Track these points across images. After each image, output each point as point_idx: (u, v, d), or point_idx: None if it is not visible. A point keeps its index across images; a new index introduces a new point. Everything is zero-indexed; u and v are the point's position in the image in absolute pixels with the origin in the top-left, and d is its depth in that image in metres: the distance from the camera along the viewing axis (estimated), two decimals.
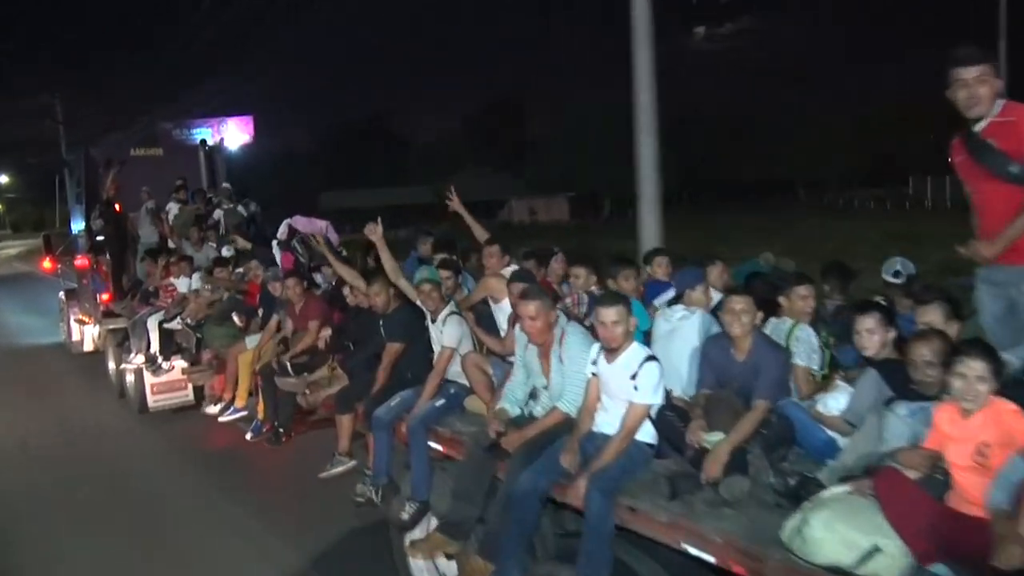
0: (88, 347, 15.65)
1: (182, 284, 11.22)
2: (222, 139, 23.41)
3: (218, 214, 13.01)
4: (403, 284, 6.52)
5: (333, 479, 6.82)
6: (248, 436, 8.09)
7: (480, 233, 7.44)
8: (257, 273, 9.32)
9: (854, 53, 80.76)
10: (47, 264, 17.68)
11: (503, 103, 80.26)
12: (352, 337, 7.32)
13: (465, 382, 6.14)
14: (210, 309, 10.16)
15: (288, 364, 7.55)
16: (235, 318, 9.25)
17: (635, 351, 4.74)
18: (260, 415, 8.12)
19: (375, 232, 6.53)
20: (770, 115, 59.53)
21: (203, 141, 15.33)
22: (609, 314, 4.71)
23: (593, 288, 6.55)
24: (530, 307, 5.12)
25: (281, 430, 7.68)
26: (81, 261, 15.27)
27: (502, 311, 6.43)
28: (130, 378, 12.45)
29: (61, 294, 17.23)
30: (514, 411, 5.39)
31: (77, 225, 15.28)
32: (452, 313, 6.16)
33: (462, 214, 7.45)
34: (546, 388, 5.32)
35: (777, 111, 59.56)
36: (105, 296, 14.13)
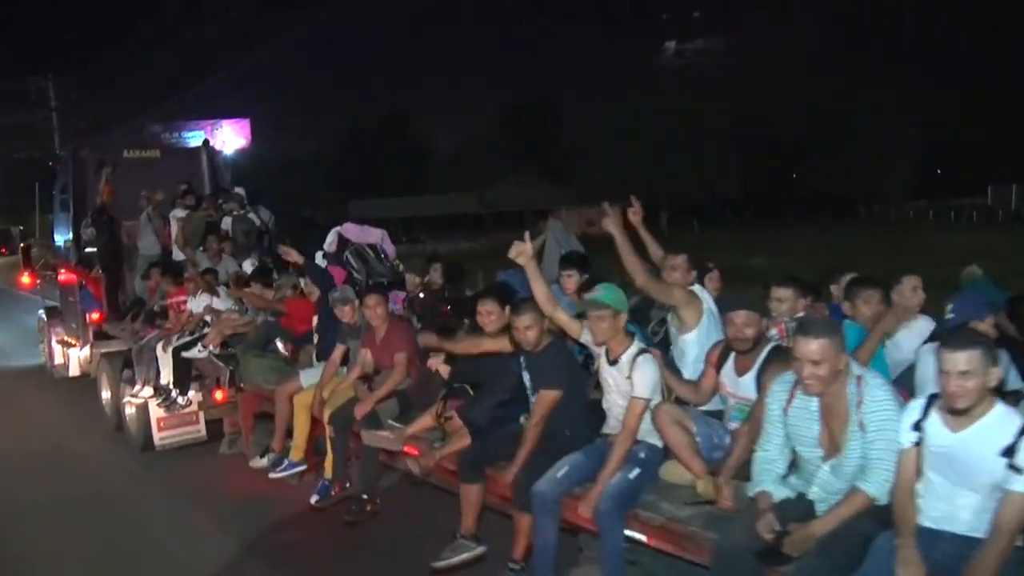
0: (74, 371, 13.55)
1: (199, 303, 9.31)
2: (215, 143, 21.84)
3: (227, 223, 11.11)
4: (561, 317, 4.78)
5: (450, 570, 5.00)
6: (313, 500, 6.23)
7: (655, 249, 5.71)
8: (311, 291, 7.46)
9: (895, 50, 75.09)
10: (25, 279, 15.55)
11: (531, 108, 71.05)
12: (466, 376, 5.52)
13: (655, 441, 4.42)
14: (244, 333, 8.31)
15: (380, 413, 5.74)
16: (280, 346, 7.39)
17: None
18: (327, 473, 6.27)
19: (525, 251, 4.74)
20: (822, 121, 53.52)
21: (205, 142, 13.42)
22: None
23: (801, 313, 4.86)
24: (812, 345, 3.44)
25: (365, 497, 5.81)
26: (67, 276, 13.32)
27: (692, 345, 4.72)
28: (131, 410, 10.52)
29: (41, 312, 15.14)
30: (779, 493, 3.67)
31: (62, 235, 13.28)
32: (642, 352, 4.42)
33: (615, 234, 4.91)
34: (825, 460, 3.61)
35: (830, 118, 53.44)
36: (95, 315, 12.17)
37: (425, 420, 5.60)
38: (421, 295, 6.93)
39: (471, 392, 5.33)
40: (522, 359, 4.96)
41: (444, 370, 5.81)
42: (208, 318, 9.28)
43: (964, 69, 65.50)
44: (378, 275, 7.71)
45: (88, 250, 12.29)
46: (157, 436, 9.88)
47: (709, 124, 49.58)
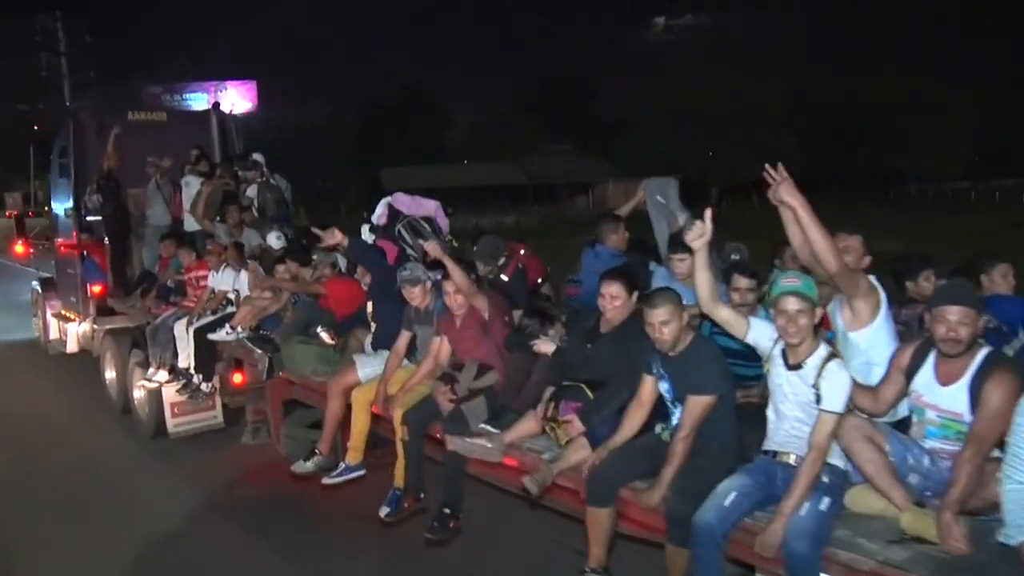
0: (72, 347, 12.54)
1: (223, 279, 8.38)
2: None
3: (252, 191, 10.13)
4: (724, 314, 3.95)
5: None
6: (383, 514, 5.33)
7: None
8: (363, 273, 6.56)
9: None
10: (19, 248, 14.45)
11: (561, 81, 65.23)
12: (577, 372, 4.65)
13: (836, 462, 3.61)
14: (277, 314, 7.40)
15: (466, 415, 4.87)
16: (323, 334, 6.50)
17: None
18: (397, 481, 5.41)
19: (706, 233, 3.87)
20: (875, 98, 50.42)
21: (215, 105, 12.35)
22: None
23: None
24: None
25: (447, 512, 4.93)
26: (66, 245, 12.28)
27: (863, 342, 3.91)
28: (140, 393, 9.60)
29: (35, 284, 14.08)
30: None
31: (60, 203, 12.21)
32: (832, 356, 3.60)
33: (796, 205, 3.78)
34: None
35: (883, 93, 50.13)
36: (97, 288, 11.17)
37: (528, 425, 4.74)
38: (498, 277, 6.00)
39: (589, 393, 4.46)
40: (658, 361, 4.10)
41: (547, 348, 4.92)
42: (232, 295, 8.36)
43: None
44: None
45: (90, 219, 11.27)
46: (171, 422, 9.00)
47: (761, 97, 46.03)
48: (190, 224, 10.59)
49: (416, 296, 5.65)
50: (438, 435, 5.09)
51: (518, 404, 4.90)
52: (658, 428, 4.15)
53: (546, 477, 4.24)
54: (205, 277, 8.77)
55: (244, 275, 8.09)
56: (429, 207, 7.19)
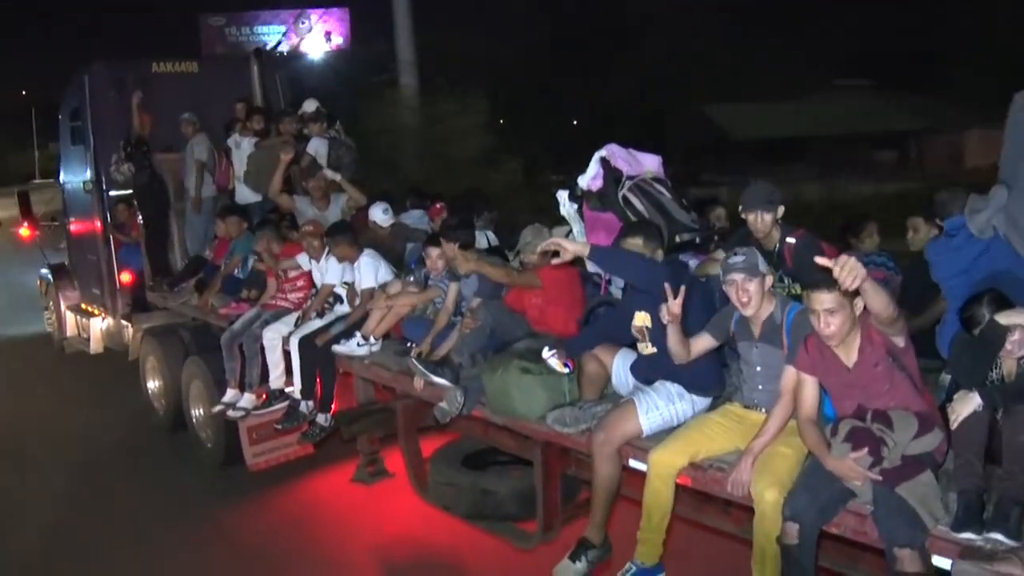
0: (96, 347, 9.92)
1: (331, 270, 5.88)
2: (300, 43, 15.77)
3: (316, 145, 7.52)
4: None
5: None
6: None
7: None
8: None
9: None
10: (24, 231, 11.72)
11: None
12: None
13: None
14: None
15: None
16: (551, 358, 3.99)
17: None
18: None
19: None
20: None
21: (257, 51, 9.64)
22: None
23: None
24: None
25: None
26: (78, 226, 9.69)
27: None
28: (199, 411, 7.15)
29: (44, 272, 11.39)
30: None
31: (74, 175, 9.58)
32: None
33: None
34: None
35: None
36: (126, 276, 8.65)
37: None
38: None
39: None
40: None
41: None
42: (341, 290, 5.89)
43: None
44: (684, 230, 4.39)
45: (114, 193, 8.71)
46: (250, 451, 6.58)
47: None
48: (245, 195, 8.07)
49: (748, 297, 3.28)
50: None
51: (1010, 486, 2.63)
52: None
53: None
54: (296, 266, 6.28)
55: (367, 264, 5.57)
56: (651, 162, 4.75)
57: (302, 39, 21.14)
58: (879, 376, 3.00)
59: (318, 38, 22.58)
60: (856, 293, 2.90)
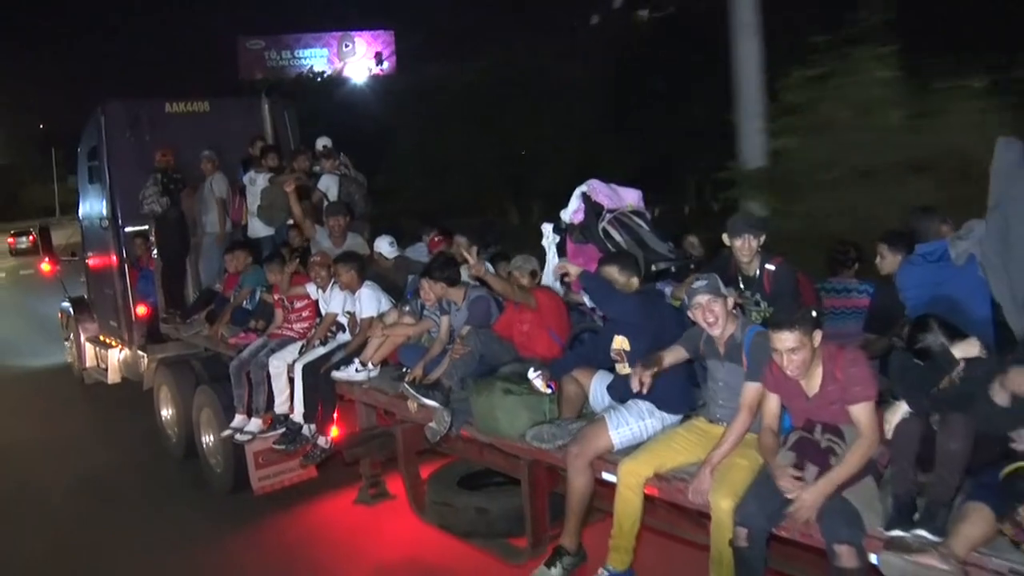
0: (113, 378, 10.27)
1: (334, 299, 6.20)
2: (344, 67, 14.53)
3: (327, 183, 7.92)
4: None
5: None
6: None
7: None
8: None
9: None
10: (45, 266, 12.15)
11: None
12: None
13: None
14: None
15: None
16: (536, 379, 4.29)
17: None
18: None
19: None
20: None
21: (268, 90, 10.06)
22: None
23: None
24: None
25: None
26: (96, 260, 10.07)
27: None
28: (209, 438, 7.44)
29: (65, 304, 11.80)
30: None
31: (92, 211, 9.98)
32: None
33: None
34: None
35: None
36: (142, 309, 8.99)
37: (978, 526, 2.74)
38: None
39: None
40: None
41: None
42: (343, 319, 6.20)
43: None
44: (661, 259, 4.68)
45: (129, 229, 9.07)
46: (256, 475, 6.83)
47: None
48: (255, 229, 8.44)
49: (715, 318, 3.55)
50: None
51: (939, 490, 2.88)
52: None
53: None
54: (302, 297, 6.60)
55: (367, 295, 5.89)
56: (631, 196, 5.06)
57: (345, 63, 19.99)
58: (835, 411, 3.25)
59: (362, 62, 21.19)
60: (816, 325, 3.18)
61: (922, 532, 2.82)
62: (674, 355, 3.84)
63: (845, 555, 2.93)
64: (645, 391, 3.65)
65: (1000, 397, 3.02)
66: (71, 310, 11.37)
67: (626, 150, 17.35)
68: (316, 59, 20.49)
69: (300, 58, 21.40)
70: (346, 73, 21.62)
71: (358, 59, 21.22)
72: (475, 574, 5.34)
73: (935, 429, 3.07)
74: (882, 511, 3.06)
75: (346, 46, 22.05)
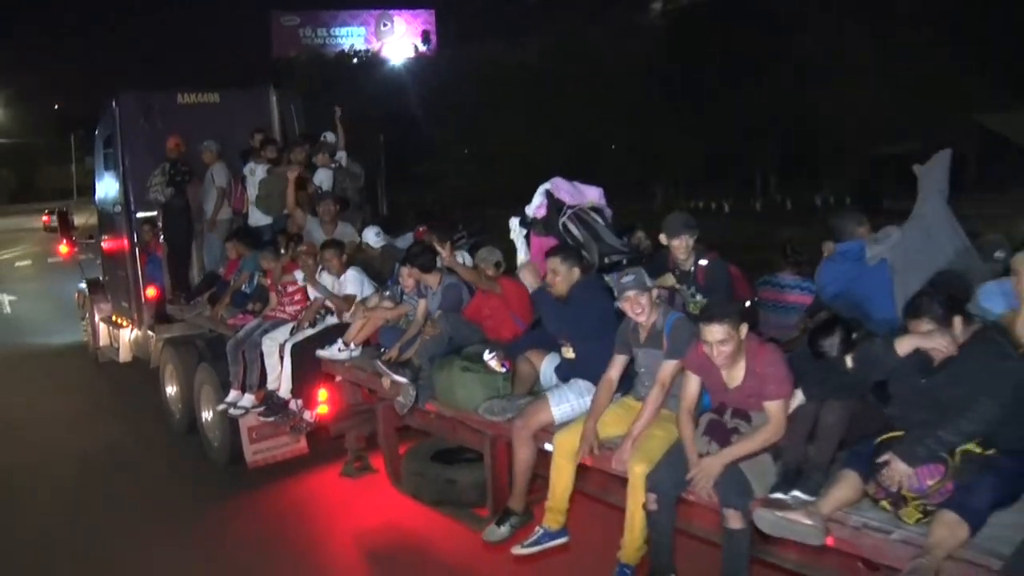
0: (124, 357, 10.81)
1: (324, 283, 6.66)
2: (382, 47, 13.86)
3: (321, 177, 8.39)
4: None
5: None
6: None
7: None
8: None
9: None
10: (63, 248, 12.69)
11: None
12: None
13: None
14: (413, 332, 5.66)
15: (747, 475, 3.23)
16: (491, 360, 4.74)
17: None
18: (627, 558, 3.75)
19: None
20: None
21: (275, 83, 10.50)
22: None
23: None
24: None
25: None
26: (110, 244, 10.55)
27: None
28: (208, 414, 7.92)
29: (82, 286, 12.34)
30: None
31: (107, 197, 10.46)
32: None
33: None
34: None
35: None
36: (151, 291, 9.45)
37: (846, 489, 3.13)
38: None
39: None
40: None
41: None
42: (329, 303, 6.65)
43: None
44: (613, 252, 5.10)
45: (141, 215, 9.52)
46: (250, 449, 7.30)
47: None
48: (256, 218, 8.89)
49: (641, 308, 3.96)
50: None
51: (817, 458, 3.30)
52: None
53: None
54: (293, 282, 7.06)
55: (352, 278, 6.35)
56: (592, 194, 5.46)
57: (383, 43, 19.46)
58: (751, 403, 3.63)
59: (401, 41, 20.10)
60: (742, 320, 3.57)
61: (797, 493, 3.23)
62: (620, 362, 4.17)
63: (732, 517, 3.35)
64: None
65: (903, 347, 3.33)
66: (87, 291, 11.88)
67: (691, 136, 16.89)
68: (353, 38, 20.01)
69: (336, 36, 21.05)
70: (384, 53, 20.96)
71: (397, 38, 20.56)
72: (443, 539, 5.79)
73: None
74: (772, 480, 3.47)
75: (384, 25, 21.56)
